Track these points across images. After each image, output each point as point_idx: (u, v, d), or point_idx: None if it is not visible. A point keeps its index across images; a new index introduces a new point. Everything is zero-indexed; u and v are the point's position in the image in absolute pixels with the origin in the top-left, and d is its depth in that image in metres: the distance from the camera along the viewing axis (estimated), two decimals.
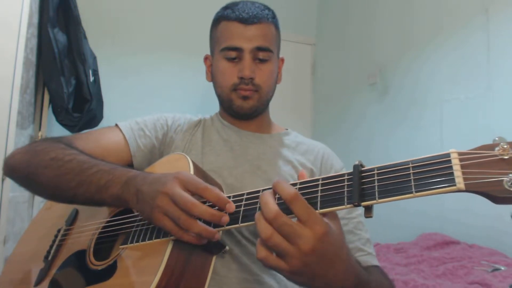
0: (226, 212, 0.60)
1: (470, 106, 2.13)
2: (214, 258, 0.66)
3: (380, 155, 2.71)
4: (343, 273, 0.54)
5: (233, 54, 0.86)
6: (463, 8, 2.23)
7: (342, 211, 0.80)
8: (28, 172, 0.76)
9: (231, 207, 0.59)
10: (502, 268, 1.50)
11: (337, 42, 3.36)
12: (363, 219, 0.84)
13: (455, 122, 2.21)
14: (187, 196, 0.59)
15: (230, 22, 0.87)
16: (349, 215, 0.83)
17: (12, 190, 1.62)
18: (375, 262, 0.80)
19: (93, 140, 0.85)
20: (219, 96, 0.93)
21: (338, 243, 0.53)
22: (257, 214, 0.53)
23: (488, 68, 2.04)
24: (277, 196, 0.54)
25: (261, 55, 0.86)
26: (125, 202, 0.66)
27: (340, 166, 0.92)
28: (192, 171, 0.70)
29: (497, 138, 0.45)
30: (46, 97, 2.14)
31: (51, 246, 0.81)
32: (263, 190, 0.58)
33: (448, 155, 0.47)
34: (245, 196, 0.61)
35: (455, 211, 2.05)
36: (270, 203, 0.51)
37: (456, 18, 2.26)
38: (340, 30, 3.34)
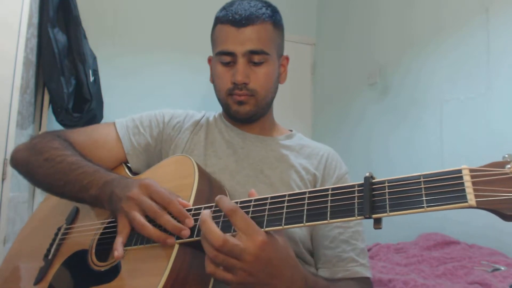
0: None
1: (470, 106, 2.12)
2: None
3: (380, 155, 2.71)
4: (290, 279, 0.57)
5: (227, 58, 0.84)
6: (463, 8, 2.22)
7: None
8: (27, 169, 0.85)
9: (190, 222, 0.63)
10: (502, 268, 1.50)
11: (337, 42, 3.36)
12: (360, 228, 0.84)
13: (455, 122, 2.21)
14: (154, 205, 0.65)
15: (223, 25, 0.85)
16: (346, 224, 0.82)
17: (12, 190, 1.62)
18: (367, 273, 0.80)
19: (86, 133, 0.91)
20: (218, 99, 0.92)
21: (282, 251, 0.57)
22: (202, 235, 0.57)
23: (488, 68, 2.04)
24: (214, 209, 0.60)
25: (255, 58, 0.83)
26: (100, 203, 0.73)
27: (343, 171, 0.90)
28: (196, 174, 0.70)
29: (507, 155, 0.46)
30: (46, 97, 2.14)
31: (51, 245, 0.81)
32: (205, 207, 0.64)
33: (459, 171, 0.47)
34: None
35: (455, 211, 2.04)
36: (213, 230, 0.55)
37: (456, 18, 2.26)
38: (340, 30, 3.34)
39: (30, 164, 0.83)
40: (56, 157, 0.80)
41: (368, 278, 0.80)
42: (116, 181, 0.72)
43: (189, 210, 0.65)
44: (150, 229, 0.64)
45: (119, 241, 0.65)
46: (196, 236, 0.61)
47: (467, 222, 1.98)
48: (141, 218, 0.65)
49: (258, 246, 0.54)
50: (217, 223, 0.58)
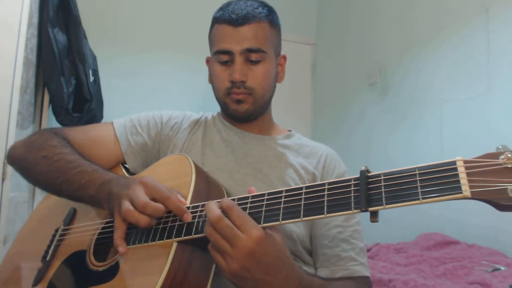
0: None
1: (470, 106, 2.12)
2: None
3: (380, 155, 2.71)
4: (285, 277, 0.58)
5: (224, 57, 0.85)
6: (463, 8, 2.22)
7: (339, 218, 0.80)
8: (23, 166, 0.85)
9: (188, 217, 0.64)
10: (502, 268, 1.50)
11: (337, 42, 3.36)
12: (359, 228, 0.84)
13: (455, 122, 2.21)
14: (142, 197, 0.64)
15: (220, 25, 0.86)
16: (346, 223, 0.82)
17: (12, 190, 1.62)
18: (366, 272, 0.80)
19: (84, 131, 0.91)
20: (216, 99, 0.92)
21: (279, 249, 0.58)
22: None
23: (488, 68, 2.04)
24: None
25: (253, 56, 0.84)
26: (98, 203, 0.73)
27: (343, 170, 0.90)
28: (194, 173, 0.70)
29: (500, 147, 0.47)
30: (46, 97, 2.14)
31: (49, 246, 0.81)
32: (202, 205, 0.64)
33: (454, 163, 0.48)
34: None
35: (455, 211, 2.05)
36: (212, 208, 0.57)
37: (456, 18, 2.26)
38: (340, 30, 3.34)
39: (27, 162, 0.82)
40: (54, 155, 0.79)
41: (367, 277, 0.80)
42: (114, 180, 0.72)
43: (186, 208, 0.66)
44: (136, 215, 0.63)
45: (118, 237, 0.65)
46: (195, 234, 0.61)
47: (467, 222, 1.98)
48: (128, 204, 0.64)
49: (254, 240, 0.54)
50: None
